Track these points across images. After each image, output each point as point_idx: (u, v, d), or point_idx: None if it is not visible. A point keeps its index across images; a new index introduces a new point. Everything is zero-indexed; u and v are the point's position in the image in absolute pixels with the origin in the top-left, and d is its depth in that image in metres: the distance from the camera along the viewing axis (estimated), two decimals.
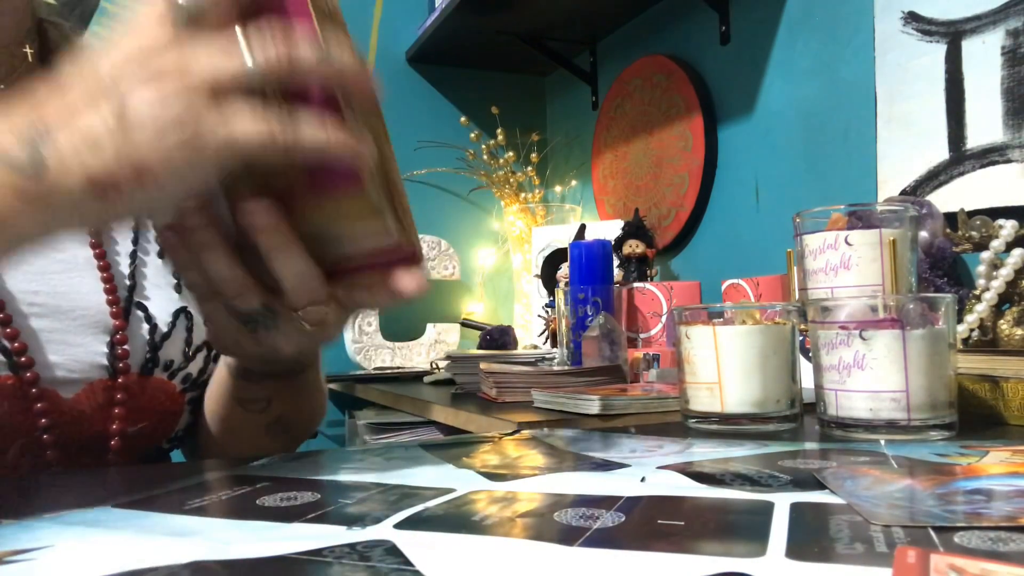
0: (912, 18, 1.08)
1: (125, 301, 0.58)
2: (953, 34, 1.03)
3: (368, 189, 0.38)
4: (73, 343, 0.55)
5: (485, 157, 2.02)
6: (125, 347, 0.57)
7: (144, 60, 0.34)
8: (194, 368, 0.61)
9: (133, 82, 0.34)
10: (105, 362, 0.56)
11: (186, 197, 0.37)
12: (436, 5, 1.83)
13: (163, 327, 0.59)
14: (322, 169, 0.38)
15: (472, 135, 2.00)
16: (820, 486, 0.38)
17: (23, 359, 0.52)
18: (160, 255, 0.63)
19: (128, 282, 0.59)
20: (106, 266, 0.58)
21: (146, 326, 0.59)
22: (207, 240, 0.40)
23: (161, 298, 0.61)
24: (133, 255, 0.61)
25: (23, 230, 0.35)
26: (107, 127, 0.33)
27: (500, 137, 2.01)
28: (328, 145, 0.36)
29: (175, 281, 0.63)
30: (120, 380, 0.56)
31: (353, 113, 0.38)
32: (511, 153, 2.04)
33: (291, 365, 0.56)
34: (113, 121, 0.33)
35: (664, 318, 1.26)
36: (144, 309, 0.59)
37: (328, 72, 0.36)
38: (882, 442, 0.52)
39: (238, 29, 0.36)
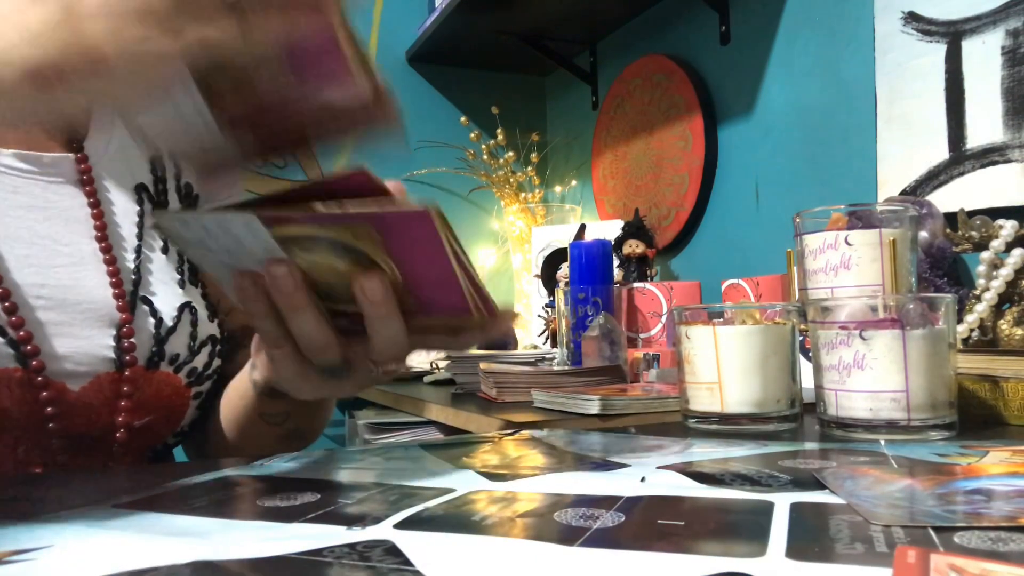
0: (912, 18, 1.08)
1: (131, 295, 0.59)
2: (953, 34, 1.03)
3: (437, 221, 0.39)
4: (80, 336, 0.55)
5: (485, 157, 2.02)
6: (131, 340, 0.57)
7: None
8: (199, 362, 0.61)
9: None
10: (112, 355, 0.56)
11: (147, 89, 0.36)
12: (436, 5, 1.83)
13: (169, 321, 0.60)
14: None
15: (472, 135, 2.00)
16: (820, 486, 0.38)
17: (28, 348, 0.52)
18: (164, 250, 0.63)
19: (133, 277, 0.60)
20: (112, 260, 0.59)
21: (152, 320, 0.59)
22: (300, 303, 0.41)
23: (166, 293, 0.61)
24: (138, 250, 0.61)
25: None
26: (50, 18, 0.33)
27: (500, 137, 2.01)
28: (295, 27, 0.35)
29: (179, 277, 0.63)
30: (127, 373, 0.57)
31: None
32: (511, 153, 2.04)
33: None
34: (59, 12, 0.33)
35: (664, 318, 1.26)
36: (149, 303, 0.59)
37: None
38: (882, 442, 0.52)
39: None
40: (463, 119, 2.03)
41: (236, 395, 0.62)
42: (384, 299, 0.40)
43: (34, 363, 0.52)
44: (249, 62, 0.37)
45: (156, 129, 0.39)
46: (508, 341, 1.39)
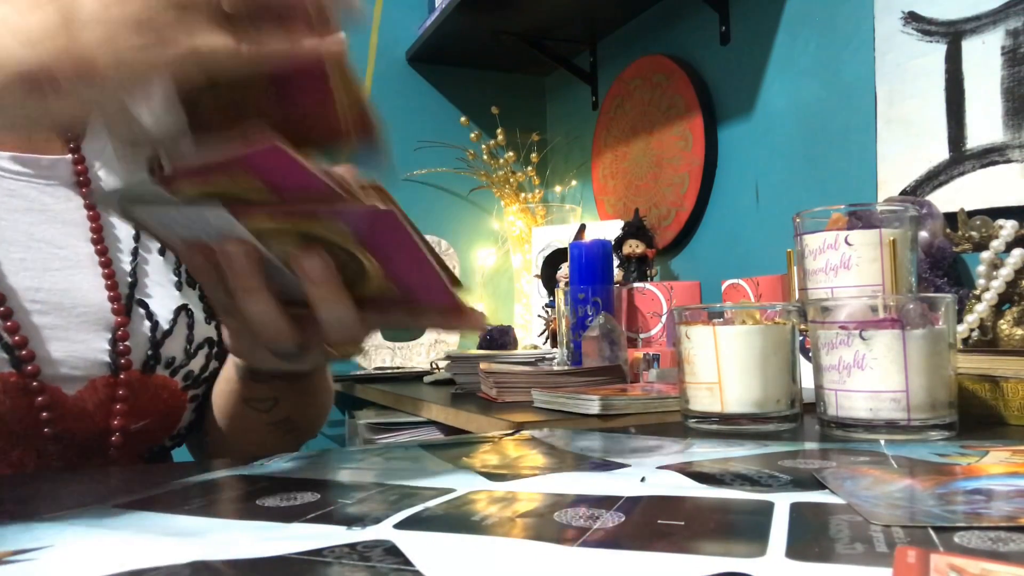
0: (912, 18, 1.08)
1: (127, 298, 0.58)
2: (953, 34, 1.03)
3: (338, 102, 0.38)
4: (75, 340, 0.55)
5: (485, 157, 2.02)
6: (127, 344, 0.57)
7: None
8: (195, 365, 0.61)
9: None
10: (107, 359, 0.56)
11: (134, 96, 0.36)
12: (436, 5, 1.83)
13: (164, 324, 0.59)
14: (288, 80, 0.38)
15: (472, 135, 2.00)
16: (820, 486, 0.38)
17: (23, 352, 0.52)
18: (161, 252, 0.63)
19: (129, 279, 0.59)
20: (107, 263, 0.58)
21: (147, 323, 0.59)
22: (250, 285, 0.41)
23: (162, 295, 0.61)
24: (135, 252, 0.61)
25: None
26: (48, 24, 0.33)
27: (500, 137, 2.01)
28: (292, 51, 0.35)
29: (176, 279, 0.63)
30: (122, 377, 0.56)
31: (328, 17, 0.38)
32: (511, 153, 2.04)
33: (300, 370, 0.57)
34: (57, 18, 0.33)
35: (664, 318, 1.26)
36: (145, 306, 0.59)
37: None
38: (882, 442, 0.52)
39: None
40: (463, 119, 2.03)
41: (223, 383, 0.62)
42: (325, 278, 0.40)
43: (29, 367, 0.52)
44: (237, 79, 0.37)
45: (125, 125, 0.39)
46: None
